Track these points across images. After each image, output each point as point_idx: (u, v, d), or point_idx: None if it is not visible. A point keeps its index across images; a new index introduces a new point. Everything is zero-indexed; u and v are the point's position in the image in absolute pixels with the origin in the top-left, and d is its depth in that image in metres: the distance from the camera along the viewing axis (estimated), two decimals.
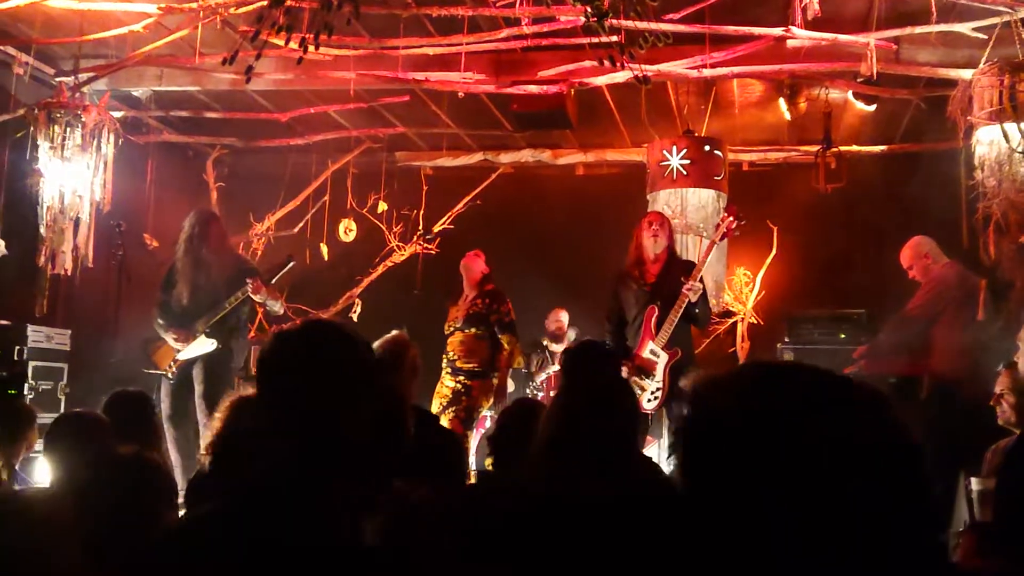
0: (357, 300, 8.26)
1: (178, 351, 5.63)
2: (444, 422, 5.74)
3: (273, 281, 5.67)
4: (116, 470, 2.38)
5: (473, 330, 6.04)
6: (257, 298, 5.59)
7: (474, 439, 7.29)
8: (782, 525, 1.02)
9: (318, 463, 1.58)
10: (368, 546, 1.61)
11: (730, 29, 5.38)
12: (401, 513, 2.15)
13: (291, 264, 5.80)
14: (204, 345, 5.58)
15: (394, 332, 3.95)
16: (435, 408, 5.90)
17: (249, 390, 3.17)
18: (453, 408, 5.93)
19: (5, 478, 3.50)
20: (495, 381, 6.13)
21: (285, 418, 1.63)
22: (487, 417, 7.32)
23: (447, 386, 6.00)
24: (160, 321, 5.69)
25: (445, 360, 6.07)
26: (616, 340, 5.41)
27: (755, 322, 7.76)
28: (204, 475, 2.60)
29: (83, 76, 6.13)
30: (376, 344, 3.68)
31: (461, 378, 5.97)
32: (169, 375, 5.64)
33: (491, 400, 6.14)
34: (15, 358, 5.88)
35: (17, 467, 3.69)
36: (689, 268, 5.39)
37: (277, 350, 1.68)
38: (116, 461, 2.53)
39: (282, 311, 6.06)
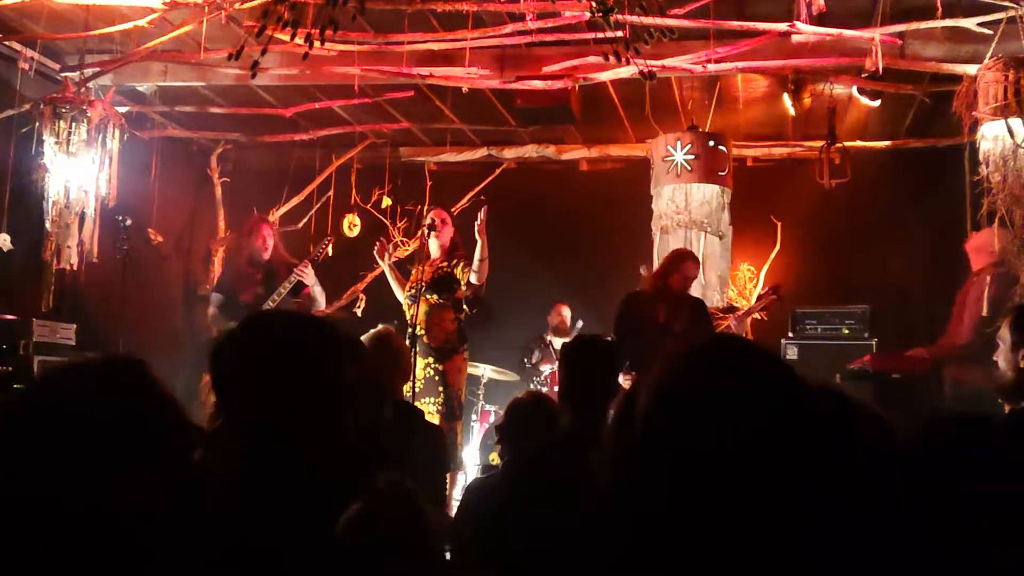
0: (361, 295, 8.28)
1: None
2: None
3: (320, 259, 6.20)
4: None
5: (436, 297, 5.81)
6: (307, 280, 6.01)
7: (477, 434, 7.32)
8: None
9: (282, 459, 1.55)
10: (338, 540, 1.57)
11: (735, 24, 5.38)
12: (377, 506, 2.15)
13: (329, 242, 6.37)
14: None
15: (380, 327, 3.95)
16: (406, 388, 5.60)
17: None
18: (431, 400, 5.70)
19: None
20: (465, 356, 5.97)
21: (243, 415, 1.59)
22: (491, 412, 7.35)
23: (416, 367, 5.60)
24: (221, 317, 6.08)
25: (409, 328, 5.71)
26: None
27: (758, 317, 7.76)
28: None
29: (88, 71, 6.14)
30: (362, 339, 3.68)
31: (431, 360, 5.73)
32: None
33: (464, 378, 5.96)
34: (20, 352, 5.89)
35: None
36: (698, 307, 5.62)
37: (228, 346, 1.65)
38: None
39: (324, 304, 6.36)
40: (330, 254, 6.42)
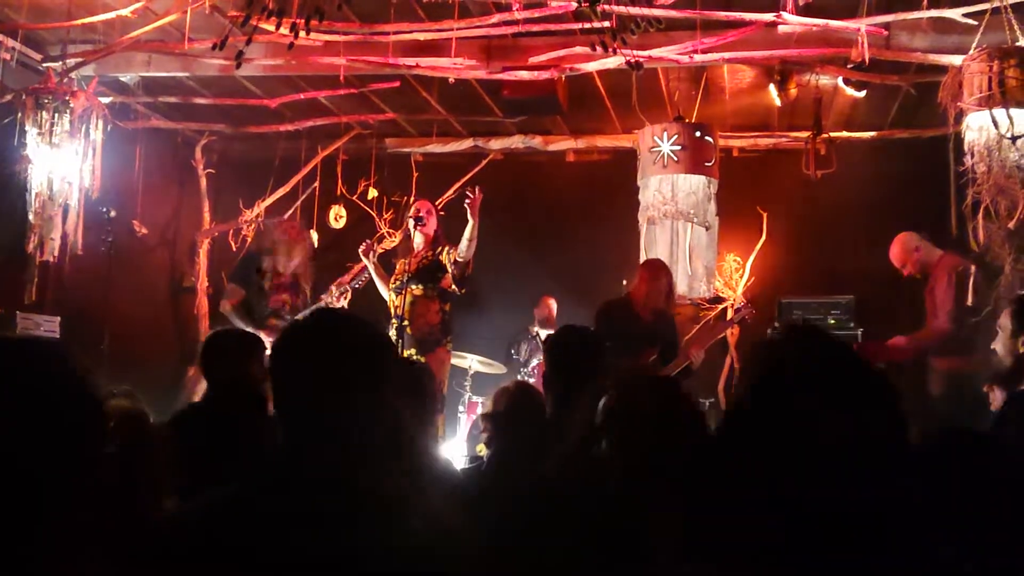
0: (348, 287, 8.25)
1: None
2: None
3: (359, 286, 6.58)
4: None
5: (420, 288, 5.83)
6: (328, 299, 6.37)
7: (465, 425, 7.32)
8: None
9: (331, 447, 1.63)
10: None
11: (721, 15, 5.37)
12: None
13: (367, 279, 6.48)
14: None
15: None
16: None
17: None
18: None
19: None
20: (448, 348, 6.00)
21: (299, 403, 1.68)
22: (478, 403, 7.34)
23: None
24: (244, 320, 6.09)
25: (395, 320, 5.75)
26: None
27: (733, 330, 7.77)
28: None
29: (71, 62, 6.08)
30: None
31: (413, 352, 5.72)
32: None
33: (447, 370, 6.01)
34: None
35: None
36: (670, 322, 5.63)
37: (291, 337, 1.75)
38: None
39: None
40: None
